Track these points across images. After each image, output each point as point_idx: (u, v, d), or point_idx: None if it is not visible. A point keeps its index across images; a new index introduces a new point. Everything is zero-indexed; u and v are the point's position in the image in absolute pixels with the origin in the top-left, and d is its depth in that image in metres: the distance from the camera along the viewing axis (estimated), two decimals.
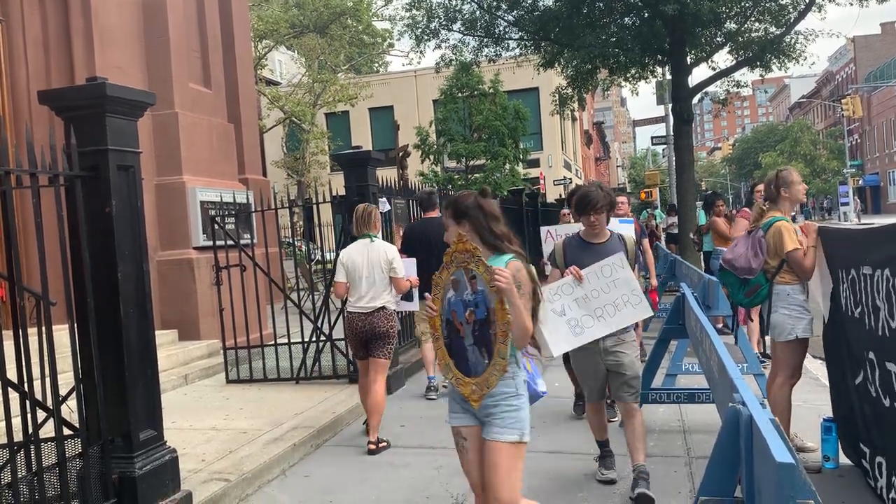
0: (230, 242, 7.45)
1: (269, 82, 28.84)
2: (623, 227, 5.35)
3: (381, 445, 5.35)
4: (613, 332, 4.19)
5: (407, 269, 5.68)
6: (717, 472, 2.28)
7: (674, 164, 19.06)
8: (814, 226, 4.65)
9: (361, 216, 5.55)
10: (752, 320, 7.47)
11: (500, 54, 16.99)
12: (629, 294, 4.15)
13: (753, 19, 14.65)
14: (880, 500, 3.68)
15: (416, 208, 8.36)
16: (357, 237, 5.53)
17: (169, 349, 7.78)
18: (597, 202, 4.25)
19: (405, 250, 6.53)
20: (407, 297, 5.83)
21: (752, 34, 14.79)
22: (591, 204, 4.25)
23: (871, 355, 3.56)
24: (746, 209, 7.87)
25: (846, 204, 48.23)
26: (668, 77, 18.37)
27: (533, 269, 3.05)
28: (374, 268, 5.36)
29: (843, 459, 4.44)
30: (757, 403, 2.23)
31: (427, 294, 3.09)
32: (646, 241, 7.44)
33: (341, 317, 6.23)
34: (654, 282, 7.97)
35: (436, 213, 7.11)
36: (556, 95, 16.71)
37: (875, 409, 3.70)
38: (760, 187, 7.87)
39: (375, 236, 5.53)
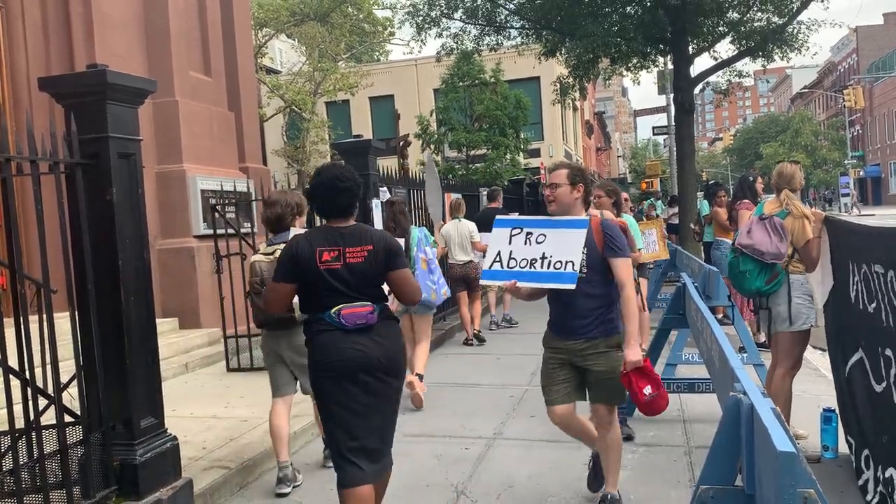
0: (230, 231, 7.44)
1: (270, 71, 28.72)
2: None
3: (472, 342, 8.83)
4: None
5: (485, 238, 8.39)
6: (717, 461, 2.29)
7: (675, 154, 19.02)
8: (821, 215, 4.63)
9: (454, 204, 9.07)
10: (751, 311, 7.42)
11: (502, 43, 16.94)
12: None
13: (756, 8, 14.59)
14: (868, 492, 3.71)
15: (419, 197, 9.52)
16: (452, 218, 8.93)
17: (169, 337, 7.79)
18: None
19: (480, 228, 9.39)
20: (485, 255, 8.12)
21: (755, 24, 14.74)
22: None
23: (889, 352, 3.52)
24: (748, 201, 7.83)
25: (847, 195, 48.20)
26: (670, 67, 18.31)
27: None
28: (463, 236, 8.75)
29: (843, 449, 4.45)
30: (758, 393, 2.23)
31: None
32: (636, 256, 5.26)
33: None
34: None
35: (496, 205, 10.10)
36: (558, 84, 16.66)
37: (883, 405, 3.69)
38: (761, 181, 7.86)
39: (462, 217, 8.91)
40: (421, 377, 6.29)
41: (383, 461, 3.38)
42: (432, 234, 8.17)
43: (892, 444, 3.49)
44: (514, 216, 10.69)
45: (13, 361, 3.42)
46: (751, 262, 4.55)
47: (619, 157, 79.45)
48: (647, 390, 3.58)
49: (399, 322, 3.60)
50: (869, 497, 3.73)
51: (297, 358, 4.31)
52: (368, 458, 3.27)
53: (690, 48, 14.98)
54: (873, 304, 3.65)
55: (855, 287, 3.97)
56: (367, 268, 3.28)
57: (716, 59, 15.84)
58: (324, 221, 3.43)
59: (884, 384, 3.59)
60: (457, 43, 17.28)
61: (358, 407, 3.25)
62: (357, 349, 3.22)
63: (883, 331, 3.53)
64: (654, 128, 34.95)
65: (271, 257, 4.15)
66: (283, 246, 3.65)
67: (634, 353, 3.61)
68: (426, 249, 6.26)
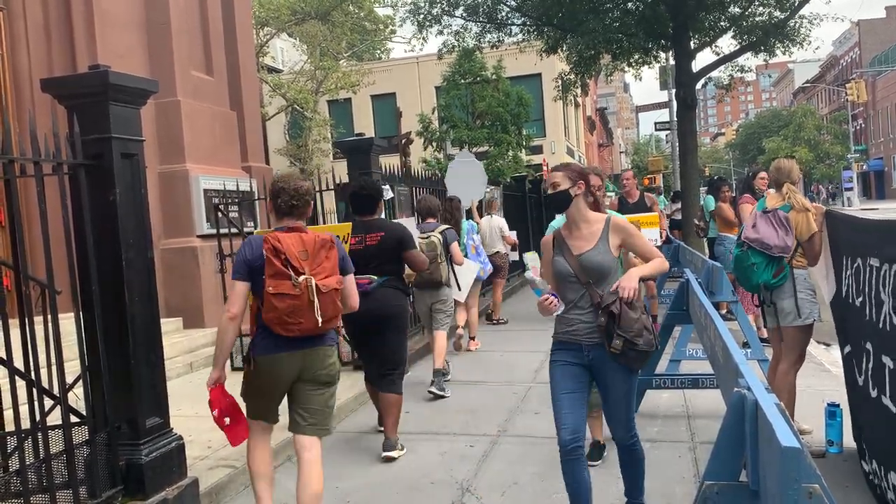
0: (234, 230, 7.45)
1: (271, 69, 28.68)
2: None
3: (500, 320, 10.28)
4: None
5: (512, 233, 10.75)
6: (721, 457, 2.29)
7: (677, 149, 18.99)
8: (822, 209, 4.64)
9: (487, 202, 10.49)
10: (756, 306, 7.41)
11: (503, 40, 16.91)
12: None
13: (757, 3, 14.54)
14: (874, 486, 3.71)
15: (421, 195, 9.15)
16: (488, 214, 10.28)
17: (174, 337, 7.80)
18: None
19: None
20: (513, 248, 10.32)
21: (756, 18, 14.68)
22: None
23: (869, 346, 3.55)
24: (749, 195, 7.83)
25: (850, 189, 48.21)
26: (672, 62, 18.27)
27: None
28: (493, 231, 9.96)
29: (847, 444, 4.45)
30: (762, 388, 2.23)
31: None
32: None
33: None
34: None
35: None
36: (559, 81, 16.63)
37: (861, 397, 3.72)
38: (763, 175, 7.84)
39: (493, 214, 10.33)
40: (473, 338, 8.43)
41: (388, 378, 4.98)
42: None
43: (879, 440, 3.51)
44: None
45: (19, 362, 3.43)
46: (758, 255, 4.56)
47: (621, 152, 79.40)
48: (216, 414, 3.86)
49: (405, 292, 5.19)
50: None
51: (435, 305, 6.60)
52: (374, 374, 5.11)
53: (692, 43, 14.93)
54: (860, 299, 3.66)
55: (846, 281, 3.99)
56: (379, 247, 4.92)
57: (717, 54, 15.79)
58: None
59: (862, 378, 3.62)
60: (458, 40, 17.25)
61: (359, 344, 5.17)
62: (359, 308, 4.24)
63: (867, 325, 3.55)
64: (656, 123, 34.90)
65: (427, 240, 6.37)
66: (434, 232, 6.49)
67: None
68: (474, 237, 8.23)
